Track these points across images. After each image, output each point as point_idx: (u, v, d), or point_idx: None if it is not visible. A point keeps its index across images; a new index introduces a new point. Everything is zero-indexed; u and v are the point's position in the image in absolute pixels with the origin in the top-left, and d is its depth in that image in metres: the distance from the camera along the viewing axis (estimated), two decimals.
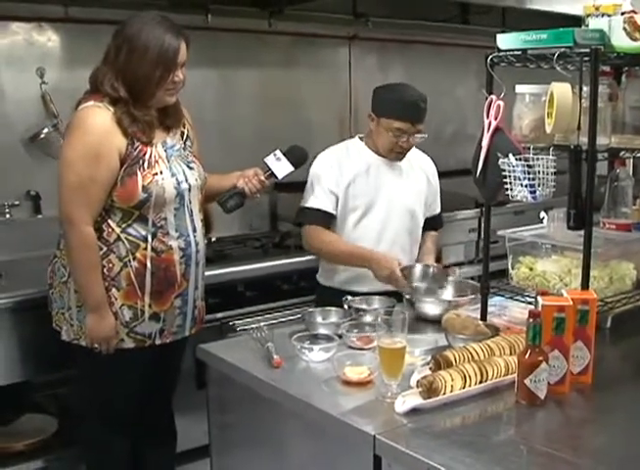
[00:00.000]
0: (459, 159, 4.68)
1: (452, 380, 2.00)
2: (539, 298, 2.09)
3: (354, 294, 2.87)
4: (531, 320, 1.96)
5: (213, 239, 3.83)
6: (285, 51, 4.48)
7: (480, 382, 2.05)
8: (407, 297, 2.81)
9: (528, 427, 1.97)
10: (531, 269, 2.53)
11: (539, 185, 2.19)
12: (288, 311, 3.69)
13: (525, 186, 2.20)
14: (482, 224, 2.53)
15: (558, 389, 2.05)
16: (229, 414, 2.49)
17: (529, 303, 2.40)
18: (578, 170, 2.16)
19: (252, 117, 4.37)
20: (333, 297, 2.87)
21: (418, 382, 1.99)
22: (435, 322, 2.63)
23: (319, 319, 2.63)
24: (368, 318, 2.63)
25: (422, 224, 3.29)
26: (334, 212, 3.12)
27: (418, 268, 3.00)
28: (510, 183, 2.25)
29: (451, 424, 1.94)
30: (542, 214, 2.78)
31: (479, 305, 2.61)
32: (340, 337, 2.44)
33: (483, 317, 2.55)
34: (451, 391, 1.99)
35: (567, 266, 2.45)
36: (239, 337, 2.78)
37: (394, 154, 3.12)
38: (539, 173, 2.18)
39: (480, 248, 4.36)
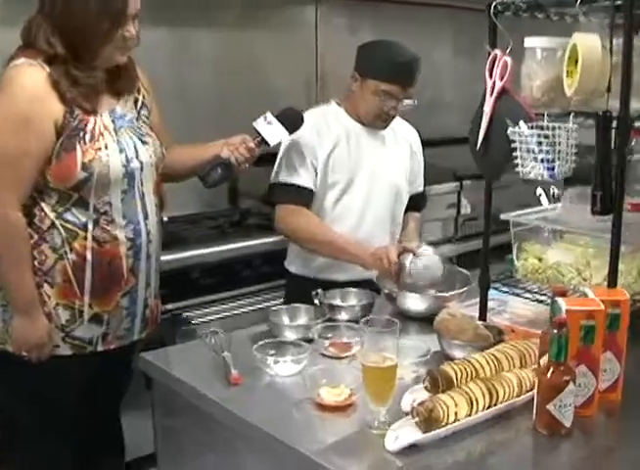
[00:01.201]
0: (435, 128, 4.35)
1: (456, 406, 1.59)
2: (559, 299, 1.70)
3: (332, 283, 2.56)
4: (556, 331, 1.56)
5: (165, 219, 3.45)
6: (245, 10, 4.07)
7: (489, 406, 1.66)
8: (386, 291, 2.45)
9: (552, 463, 1.59)
10: (541, 260, 2.12)
11: (558, 159, 1.79)
12: (250, 300, 3.35)
13: (541, 161, 1.80)
14: (484, 203, 2.13)
15: (584, 412, 1.68)
16: (177, 442, 2.08)
17: (539, 300, 2.02)
18: (608, 142, 1.77)
19: (210, 81, 3.98)
20: (307, 287, 2.47)
21: (414, 410, 1.58)
22: (420, 320, 2.30)
23: (286, 320, 2.25)
24: (344, 316, 2.28)
25: (406, 202, 2.94)
26: (314, 189, 2.75)
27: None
28: (521, 157, 1.85)
29: (454, 461, 1.57)
30: (539, 191, 2.48)
31: (474, 301, 2.24)
32: (311, 341, 2.06)
33: (483, 317, 2.17)
34: (455, 419, 1.60)
35: (584, 257, 2.04)
36: (189, 342, 2.41)
37: (379, 121, 2.78)
38: (558, 145, 1.78)
39: (459, 225, 4.12)
